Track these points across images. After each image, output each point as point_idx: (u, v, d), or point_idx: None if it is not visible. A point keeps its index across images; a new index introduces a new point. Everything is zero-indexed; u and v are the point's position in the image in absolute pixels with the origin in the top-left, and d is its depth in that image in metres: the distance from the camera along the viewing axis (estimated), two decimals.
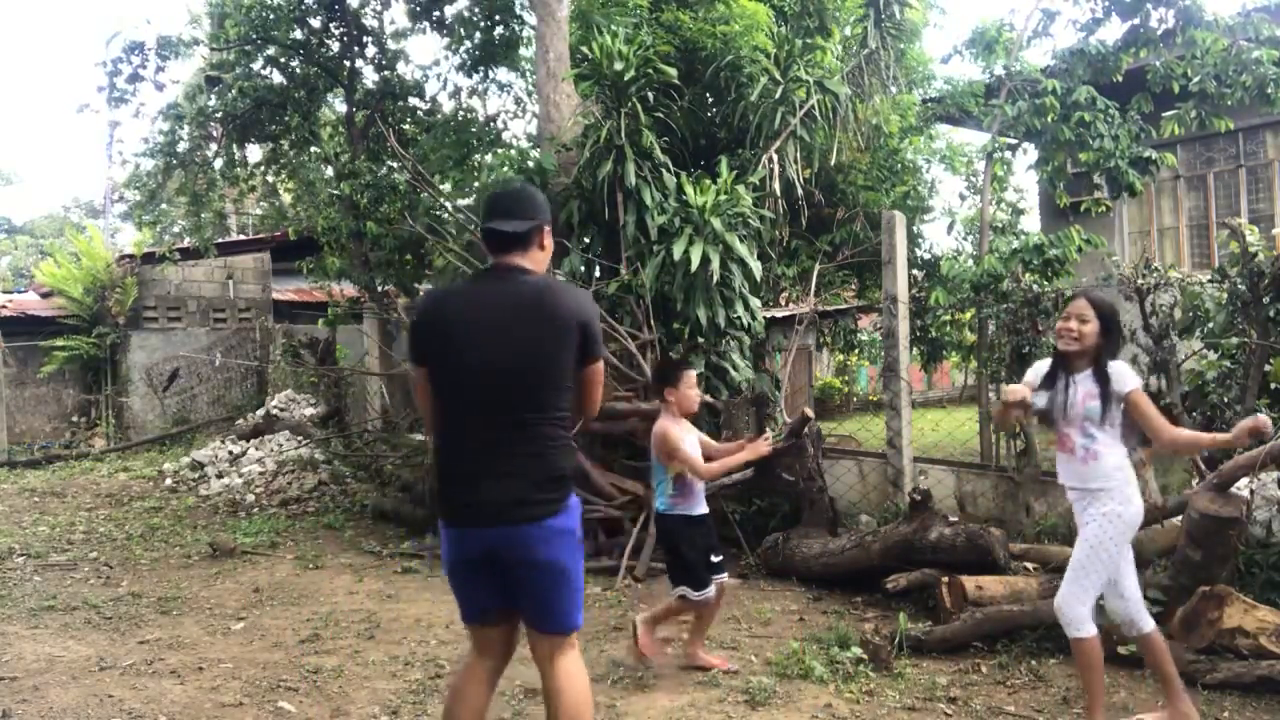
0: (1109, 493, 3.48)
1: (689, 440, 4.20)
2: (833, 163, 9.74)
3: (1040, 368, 3.72)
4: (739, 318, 7.38)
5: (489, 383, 2.69)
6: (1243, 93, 8.38)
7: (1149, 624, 3.57)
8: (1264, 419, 3.28)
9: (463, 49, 13.09)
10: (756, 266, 7.52)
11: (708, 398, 7.00)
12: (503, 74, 14.06)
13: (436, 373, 2.78)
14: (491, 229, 2.79)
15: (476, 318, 2.73)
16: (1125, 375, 3.51)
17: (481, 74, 13.41)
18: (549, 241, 2.90)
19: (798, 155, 8.50)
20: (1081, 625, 3.47)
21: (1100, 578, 3.49)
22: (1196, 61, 8.50)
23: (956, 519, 5.41)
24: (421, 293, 2.77)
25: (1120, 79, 9.20)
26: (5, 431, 13.77)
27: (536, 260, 2.85)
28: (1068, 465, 3.58)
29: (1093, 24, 9.18)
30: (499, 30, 12.82)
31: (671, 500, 4.21)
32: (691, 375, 4.32)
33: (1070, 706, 3.87)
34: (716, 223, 7.14)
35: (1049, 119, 8.82)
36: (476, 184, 10.86)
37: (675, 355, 7.03)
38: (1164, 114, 9.02)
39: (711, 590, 4.23)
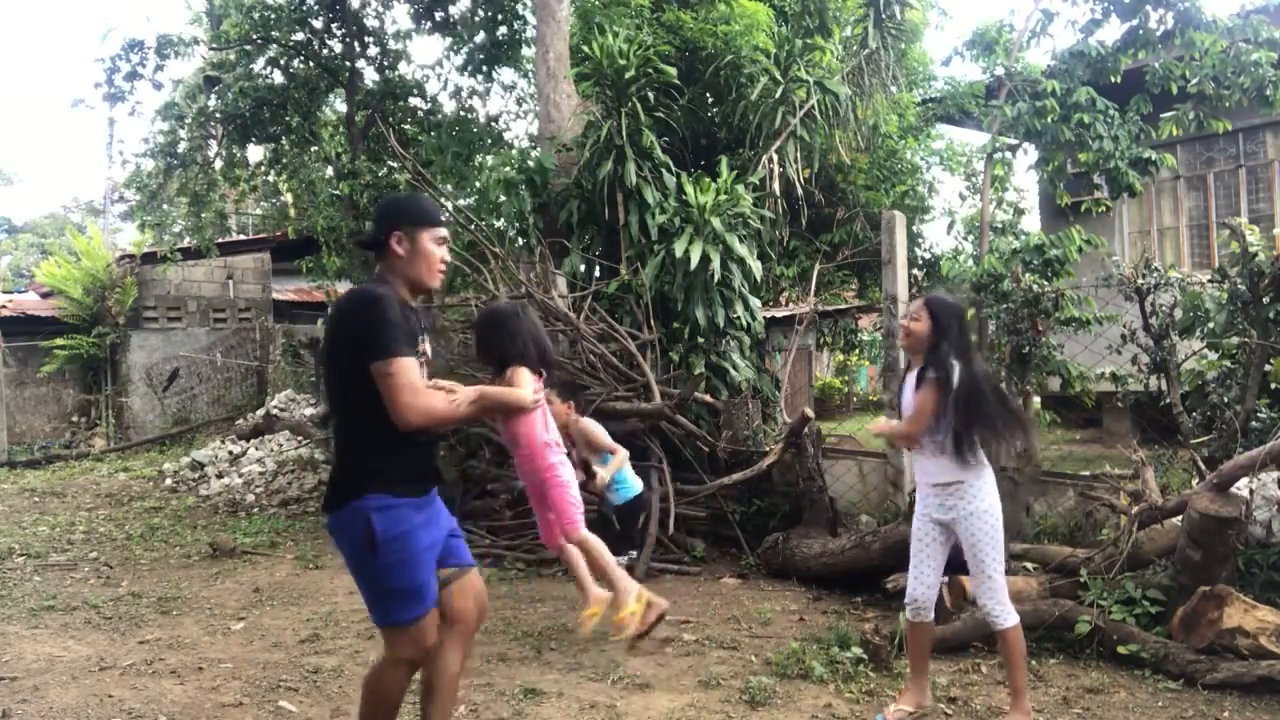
0: (973, 486, 3.56)
1: None
2: (833, 163, 9.75)
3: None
4: (739, 318, 7.39)
5: None
6: (1241, 94, 8.39)
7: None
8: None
9: (465, 49, 13.09)
10: (756, 266, 7.52)
11: (708, 397, 7.00)
12: (505, 74, 14.06)
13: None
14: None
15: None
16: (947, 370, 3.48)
17: (484, 74, 13.41)
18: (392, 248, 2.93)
19: (798, 155, 8.50)
20: (1013, 612, 3.58)
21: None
22: (1195, 63, 8.50)
23: None
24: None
25: (1119, 80, 9.19)
26: (5, 431, 13.77)
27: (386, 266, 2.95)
28: (922, 461, 3.68)
29: (1092, 25, 9.18)
30: (501, 30, 12.82)
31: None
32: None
33: (1070, 706, 3.87)
34: (716, 222, 7.14)
35: (1049, 120, 8.82)
36: (478, 184, 10.86)
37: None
38: (1163, 115, 9.02)
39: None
